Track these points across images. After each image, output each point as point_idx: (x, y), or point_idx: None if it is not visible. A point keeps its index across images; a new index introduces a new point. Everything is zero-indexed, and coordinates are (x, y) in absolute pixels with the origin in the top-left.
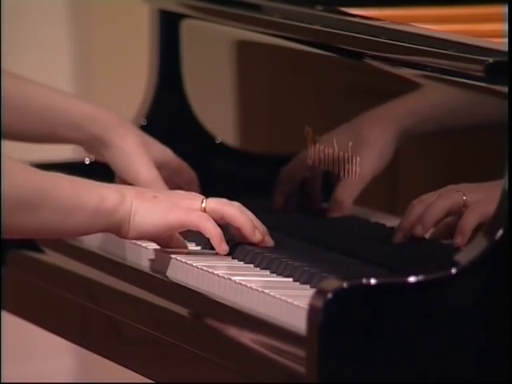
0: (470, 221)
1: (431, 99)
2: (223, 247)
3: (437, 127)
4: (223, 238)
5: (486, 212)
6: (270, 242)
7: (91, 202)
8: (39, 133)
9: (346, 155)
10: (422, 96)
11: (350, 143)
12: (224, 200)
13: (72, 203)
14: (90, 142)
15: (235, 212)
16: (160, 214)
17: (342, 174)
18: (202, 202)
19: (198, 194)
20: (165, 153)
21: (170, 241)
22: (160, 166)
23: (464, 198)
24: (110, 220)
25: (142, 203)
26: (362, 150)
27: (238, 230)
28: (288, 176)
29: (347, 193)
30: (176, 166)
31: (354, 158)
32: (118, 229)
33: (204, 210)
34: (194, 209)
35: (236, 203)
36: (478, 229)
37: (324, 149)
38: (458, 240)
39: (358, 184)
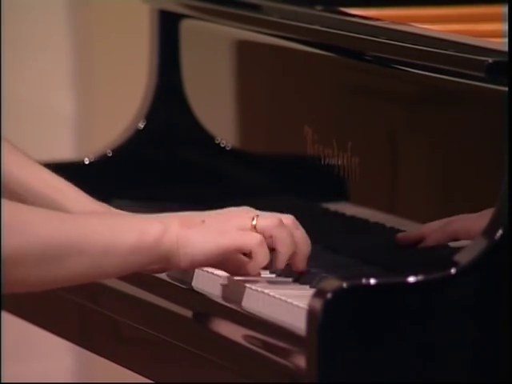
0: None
1: (431, 99)
2: (255, 273)
3: (436, 127)
4: (262, 267)
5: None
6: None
7: (129, 239)
8: None
9: (346, 155)
10: (422, 96)
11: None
12: (276, 216)
13: (107, 244)
14: None
15: (284, 239)
16: (211, 239)
17: (341, 173)
18: (253, 220)
19: (248, 209)
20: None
21: (240, 267)
22: None
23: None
24: (154, 254)
25: (190, 230)
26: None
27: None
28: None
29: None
30: None
31: (353, 157)
32: (166, 261)
33: (255, 228)
34: (246, 229)
35: (290, 218)
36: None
37: (324, 149)
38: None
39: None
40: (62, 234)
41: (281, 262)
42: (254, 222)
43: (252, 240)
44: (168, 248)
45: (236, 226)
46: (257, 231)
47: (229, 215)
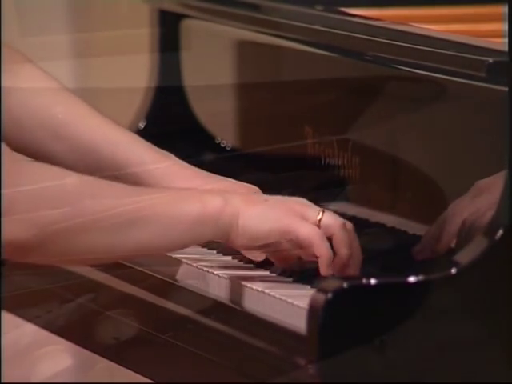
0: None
1: (431, 99)
2: (329, 271)
3: (437, 127)
4: (331, 262)
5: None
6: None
7: (193, 210)
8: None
9: (346, 155)
10: (422, 96)
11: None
12: (340, 219)
13: (173, 214)
14: None
15: (345, 240)
16: (274, 217)
17: (341, 173)
18: (319, 214)
19: (309, 202)
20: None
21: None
22: None
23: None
24: (216, 225)
25: (252, 206)
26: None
27: (336, 256)
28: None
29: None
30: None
31: (353, 157)
32: (226, 234)
33: (318, 222)
34: (310, 220)
35: (351, 225)
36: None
37: (324, 149)
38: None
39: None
40: (130, 203)
41: (339, 265)
42: (319, 217)
43: (311, 233)
44: (228, 221)
45: (300, 214)
46: (319, 226)
47: (294, 202)
